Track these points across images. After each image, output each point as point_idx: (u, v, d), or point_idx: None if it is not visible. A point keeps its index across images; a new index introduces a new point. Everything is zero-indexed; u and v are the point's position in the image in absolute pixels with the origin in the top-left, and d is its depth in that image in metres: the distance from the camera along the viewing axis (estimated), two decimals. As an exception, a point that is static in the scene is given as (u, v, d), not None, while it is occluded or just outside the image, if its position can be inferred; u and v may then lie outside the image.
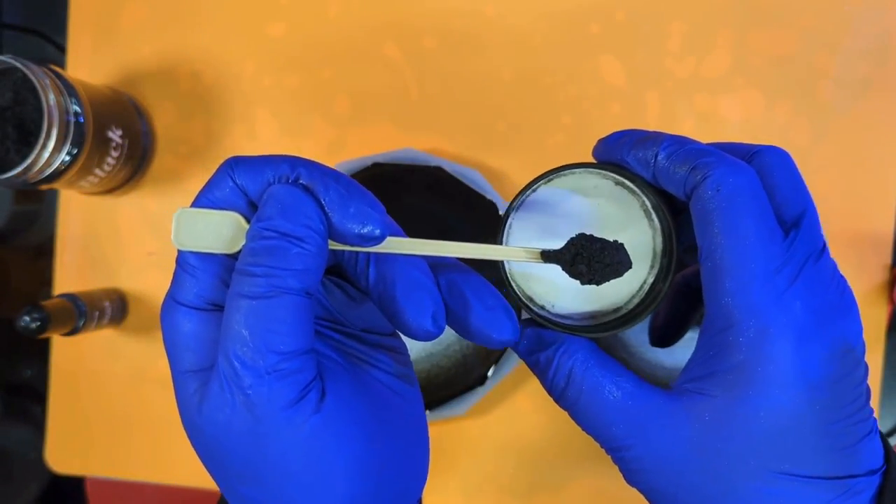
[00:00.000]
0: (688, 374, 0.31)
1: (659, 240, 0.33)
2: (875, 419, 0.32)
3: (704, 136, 0.60)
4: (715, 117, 0.60)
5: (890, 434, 0.62)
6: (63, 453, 0.67)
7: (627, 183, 0.33)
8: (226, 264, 0.30)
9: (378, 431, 0.30)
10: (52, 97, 0.51)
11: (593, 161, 0.34)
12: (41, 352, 0.68)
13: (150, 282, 0.65)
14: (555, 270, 0.33)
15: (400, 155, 0.60)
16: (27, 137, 0.53)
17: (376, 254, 0.30)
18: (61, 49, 0.67)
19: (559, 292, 0.34)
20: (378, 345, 0.33)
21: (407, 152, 0.61)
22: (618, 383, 0.32)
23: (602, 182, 0.34)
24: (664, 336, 0.40)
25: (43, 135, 0.51)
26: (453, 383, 0.61)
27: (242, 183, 0.29)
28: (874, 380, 0.59)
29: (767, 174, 0.31)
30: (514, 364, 0.59)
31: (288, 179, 0.29)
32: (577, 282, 0.33)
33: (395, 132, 0.63)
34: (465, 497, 0.63)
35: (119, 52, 0.65)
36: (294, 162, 0.29)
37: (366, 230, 0.29)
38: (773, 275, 0.29)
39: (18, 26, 0.69)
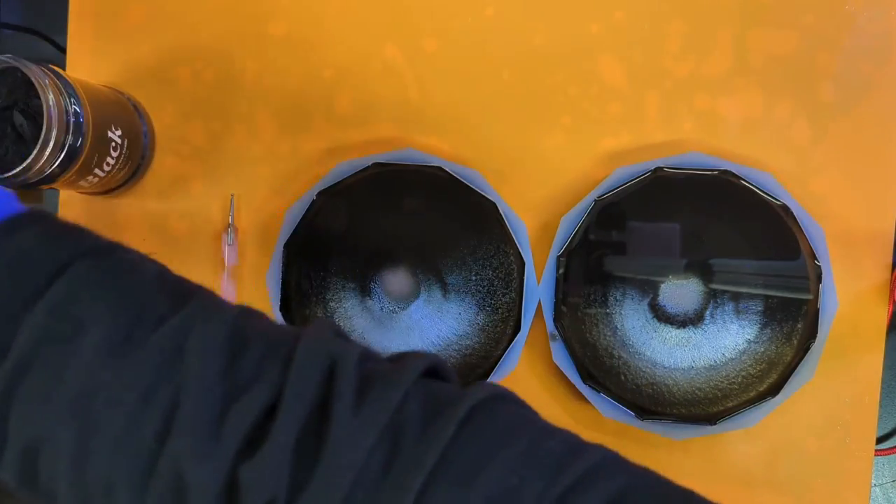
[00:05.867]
0: None
1: None
2: None
3: (704, 136, 0.61)
4: (715, 117, 0.60)
5: (890, 435, 0.62)
6: (63, 453, 0.67)
7: None
8: None
9: None
10: (51, 97, 0.51)
11: None
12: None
13: (150, 282, 0.65)
14: None
15: (400, 155, 0.60)
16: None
17: None
18: (61, 49, 0.67)
19: None
20: None
21: (407, 152, 0.61)
22: None
23: None
24: None
25: (42, 135, 0.51)
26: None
27: None
28: (874, 380, 0.59)
29: None
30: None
31: None
32: None
33: (395, 132, 0.63)
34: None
35: (119, 52, 0.64)
36: None
37: None
38: None
39: (17, 26, 0.69)
